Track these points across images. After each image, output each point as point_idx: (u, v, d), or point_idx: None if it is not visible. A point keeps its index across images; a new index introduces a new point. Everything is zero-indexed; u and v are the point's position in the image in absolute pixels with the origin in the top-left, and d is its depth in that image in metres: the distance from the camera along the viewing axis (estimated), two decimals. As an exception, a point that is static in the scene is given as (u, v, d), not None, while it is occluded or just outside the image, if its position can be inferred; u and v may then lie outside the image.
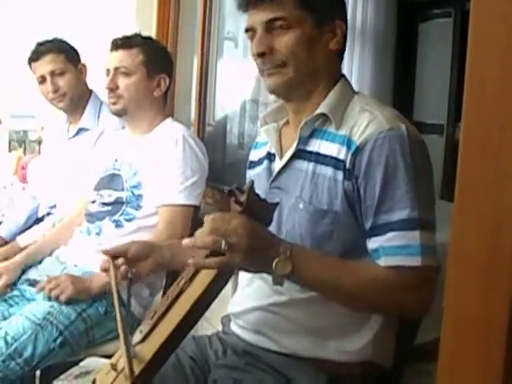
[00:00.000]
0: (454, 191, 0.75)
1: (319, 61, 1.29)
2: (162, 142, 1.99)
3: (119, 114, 2.03)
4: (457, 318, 0.76)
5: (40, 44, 2.37)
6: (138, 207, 1.96)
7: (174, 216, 1.90)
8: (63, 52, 2.37)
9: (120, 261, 1.41)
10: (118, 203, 1.98)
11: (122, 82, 1.97)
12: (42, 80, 2.36)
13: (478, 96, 0.74)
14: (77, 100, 2.39)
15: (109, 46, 2.02)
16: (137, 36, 2.04)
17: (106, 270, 1.43)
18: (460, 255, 0.75)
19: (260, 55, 1.24)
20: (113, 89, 1.98)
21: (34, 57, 2.36)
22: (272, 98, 2.27)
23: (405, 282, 1.14)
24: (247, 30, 1.29)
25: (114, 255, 1.43)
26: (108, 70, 1.99)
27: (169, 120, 2.09)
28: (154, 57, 2.02)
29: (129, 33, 2.09)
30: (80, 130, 2.41)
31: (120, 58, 1.98)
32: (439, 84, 3.60)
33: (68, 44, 2.42)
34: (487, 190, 0.71)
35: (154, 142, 2.01)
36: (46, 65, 2.34)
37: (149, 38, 2.10)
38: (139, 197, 1.96)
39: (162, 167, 1.94)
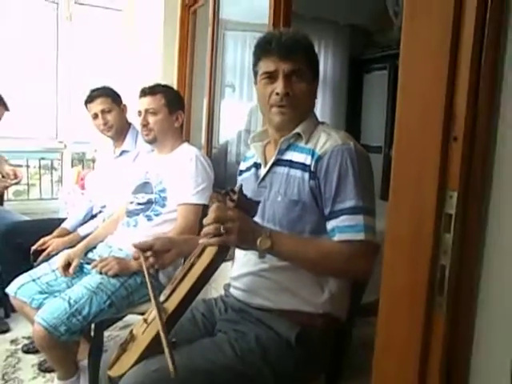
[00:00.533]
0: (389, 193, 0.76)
1: (311, 105, 1.34)
2: (181, 159, 1.98)
3: (151, 142, 2.03)
4: (391, 284, 0.76)
5: (93, 90, 2.36)
6: (163, 205, 1.95)
7: (189, 212, 1.90)
8: (110, 96, 2.36)
9: (148, 253, 1.38)
10: (148, 203, 1.97)
11: (151, 119, 1.97)
12: (95, 116, 2.35)
13: (405, 126, 0.74)
14: (120, 130, 2.38)
15: (138, 93, 2.04)
16: (159, 85, 2.04)
17: (136, 259, 1.41)
18: (393, 239, 0.75)
19: (286, 94, 1.23)
20: (145, 125, 1.98)
21: (89, 100, 2.35)
22: (259, 127, 2.28)
23: (353, 252, 1.15)
24: (267, 73, 1.26)
25: (142, 249, 1.39)
26: (140, 112, 2.00)
27: (185, 144, 2.09)
28: (172, 99, 2.03)
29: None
30: (123, 152, 2.39)
31: (148, 102, 1.98)
32: (379, 117, 3.62)
33: (113, 90, 2.41)
34: (412, 192, 0.71)
35: (175, 159, 2.01)
36: (97, 105, 2.33)
37: (167, 86, 2.09)
38: (164, 198, 1.95)
39: (180, 177, 1.93)
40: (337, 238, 1.17)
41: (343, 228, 1.16)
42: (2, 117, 2.75)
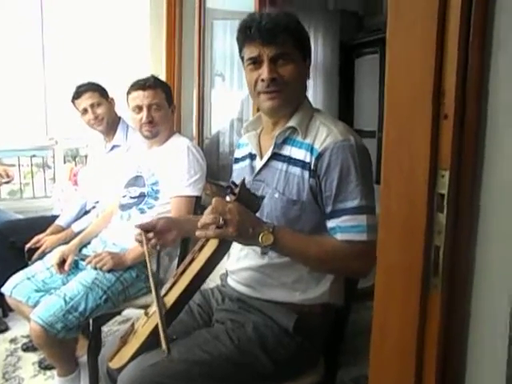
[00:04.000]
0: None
1: (302, 86, 1.28)
2: (172, 151, 1.96)
3: (153, 137, 1.97)
4: (386, 267, 0.75)
5: (79, 86, 2.33)
6: (156, 198, 1.93)
7: (182, 204, 1.88)
8: (97, 90, 2.33)
9: (150, 234, 1.36)
10: (141, 196, 1.96)
11: (157, 114, 1.92)
12: (84, 111, 2.32)
13: (394, 106, 0.73)
14: (110, 124, 2.35)
15: (129, 87, 1.96)
16: (154, 78, 1.98)
17: (139, 241, 1.38)
18: (386, 221, 0.75)
19: (272, 80, 1.18)
20: (151, 121, 1.91)
21: (76, 96, 2.32)
22: (250, 115, 2.26)
23: (354, 251, 1.13)
24: (251, 59, 1.21)
25: (145, 229, 1.37)
26: (139, 107, 1.91)
27: (176, 135, 2.07)
28: (168, 93, 2.01)
29: (144, 75, 2.02)
30: (114, 147, 2.37)
31: (151, 96, 1.90)
32: (371, 101, 3.60)
33: (99, 85, 2.38)
34: (404, 172, 0.70)
35: (166, 151, 1.98)
36: (86, 100, 2.30)
37: (159, 79, 2.05)
38: (157, 191, 1.94)
39: (172, 169, 1.91)
40: (339, 237, 1.14)
41: (346, 228, 1.14)
42: None
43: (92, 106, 2.30)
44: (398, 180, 0.72)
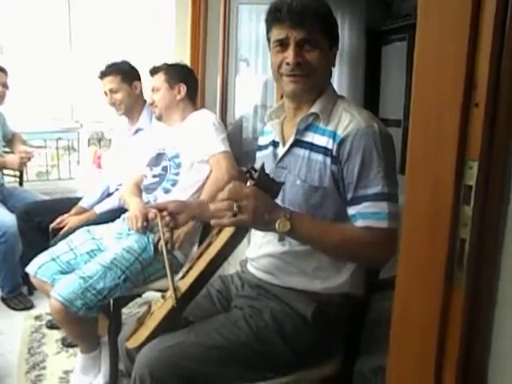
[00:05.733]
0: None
1: (326, 74, 1.27)
2: (193, 122, 2.04)
3: (158, 118, 2.12)
4: (409, 258, 0.73)
5: (108, 66, 2.36)
6: (177, 173, 1.96)
7: (220, 159, 1.92)
8: (120, 74, 2.34)
9: (164, 213, 1.46)
10: (163, 173, 1.99)
11: (155, 96, 2.07)
12: (105, 94, 2.37)
13: (422, 93, 0.70)
14: (130, 109, 2.37)
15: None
16: (164, 64, 2.11)
17: (154, 219, 1.51)
18: (411, 212, 0.73)
19: (297, 64, 1.17)
20: (151, 103, 2.09)
21: (100, 76, 2.36)
22: (274, 102, 2.24)
23: (374, 239, 1.11)
24: (278, 41, 1.20)
25: (159, 209, 1.48)
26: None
27: (195, 111, 2.13)
28: (172, 73, 2.07)
29: (169, 60, 2.18)
30: (138, 130, 2.39)
31: (153, 80, 2.08)
32: (397, 90, 3.53)
33: (127, 66, 2.39)
34: (430, 163, 0.68)
35: (187, 124, 2.06)
36: (106, 84, 2.35)
37: (174, 64, 2.14)
38: (178, 165, 1.97)
39: (196, 135, 1.97)
40: (359, 224, 1.13)
41: (366, 214, 1.12)
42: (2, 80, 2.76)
43: (110, 90, 2.33)
44: (424, 170, 0.70)
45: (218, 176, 1.89)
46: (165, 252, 1.33)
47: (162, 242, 1.39)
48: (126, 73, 2.37)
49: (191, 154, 1.95)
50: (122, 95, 2.33)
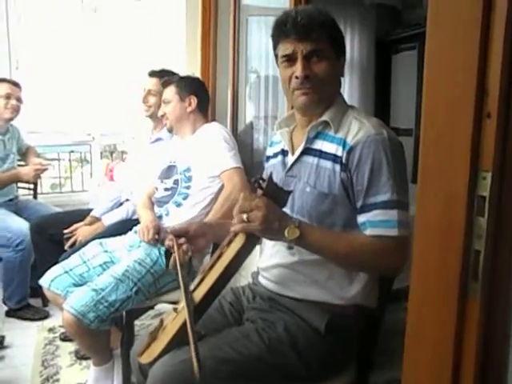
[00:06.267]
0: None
1: (335, 84, 1.27)
2: (204, 135, 2.04)
3: (169, 130, 2.16)
4: (422, 270, 0.72)
5: (160, 70, 2.41)
6: (188, 187, 1.96)
7: (233, 175, 1.91)
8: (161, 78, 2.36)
9: (182, 240, 1.31)
10: (174, 186, 1.99)
11: (166, 108, 2.10)
12: (143, 90, 2.40)
13: (433, 103, 0.70)
14: (156, 116, 2.35)
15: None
16: (176, 76, 2.17)
17: (171, 247, 1.33)
18: (423, 223, 0.72)
19: (306, 77, 1.17)
20: (163, 115, 2.12)
21: (150, 74, 2.41)
22: (284, 113, 2.24)
23: (385, 247, 1.11)
24: (286, 56, 1.20)
25: (177, 234, 1.33)
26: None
27: (206, 124, 2.13)
28: (183, 85, 2.09)
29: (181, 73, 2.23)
30: (158, 139, 2.39)
31: (164, 93, 2.12)
32: (408, 99, 3.51)
33: (170, 78, 2.43)
34: (442, 173, 0.67)
35: (198, 138, 2.06)
36: (149, 84, 2.39)
37: (185, 76, 2.18)
38: (189, 178, 1.97)
39: (207, 150, 1.96)
40: (368, 232, 1.12)
41: (376, 223, 1.11)
42: (16, 93, 2.81)
43: (149, 91, 2.38)
44: (436, 180, 0.69)
45: (230, 192, 1.88)
46: (180, 276, 1.24)
47: (178, 267, 1.27)
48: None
49: (202, 168, 1.96)
50: (156, 101, 2.36)
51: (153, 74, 2.40)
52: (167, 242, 1.35)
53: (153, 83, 2.37)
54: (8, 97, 2.78)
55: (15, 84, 2.84)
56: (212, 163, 1.94)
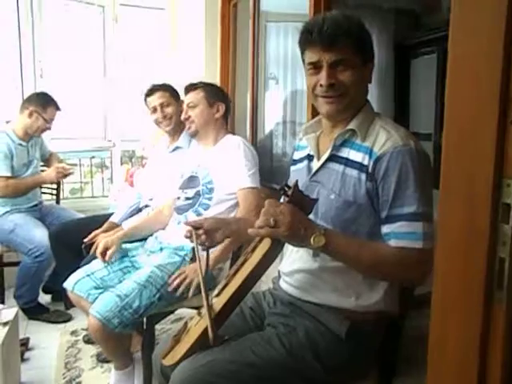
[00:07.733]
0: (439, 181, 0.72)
1: (362, 91, 1.27)
2: (226, 149, 2.03)
3: (193, 135, 2.13)
4: (445, 278, 0.72)
5: (153, 85, 2.43)
6: (210, 198, 1.97)
7: (248, 194, 1.92)
8: (168, 91, 2.41)
9: (200, 231, 1.42)
10: (196, 196, 2.00)
11: (192, 112, 2.07)
12: (154, 110, 2.41)
13: (456, 110, 0.69)
14: (177, 124, 2.40)
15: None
16: (200, 82, 2.14)
17: (188, 237, 1.43)
18: (446, 230, 0.71)
19: (330, 85, 1.18)
20: (187, 119, 2.08)
21: (149, 93, 2.41)
22: (304, 118, 2.24)
23: (408, 259, 1.10)
24: (311, 64, 1.21)
25: (194, 226, 1.43)
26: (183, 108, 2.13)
27: (229, 135, 2.13)
28: (211, 92, 2.10)
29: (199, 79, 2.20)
30: (176, 148, 2.42)
31: (189, 97, 2.10)
32: (428, 103, 3.48)
33: (171, 86, 2.47)
34: (465, 180, 0.67)
35: (220, 150, 2.05)
36: (157, 99, 2.39)
37: (211, 84, 2.18)
38: (211, 189, 1.98)
39: (229, 165, 1.96)
40: (393, 243, 1.12)
41: (400, 234, 1.11)
42: (54, 117, 2.88)
43: (161, 104, 2.38)
44: (459, 187, 0.68)
45: (244, 211, 1.88)
46: (200, 272, 1.32)
47: (197, 262, 1.35)
48: (173, 90, 2.45)
49: (223, 184, 1.96)
50: (173, 110, 2.39)
51: (152, 90, 2.41)
52: (185, 233, 1.42)
53: (159, 96, 2.38)
54: (48, 121, 2.86)
55: (56, 107, 2.90)
56: (231, 181, 1.95)
